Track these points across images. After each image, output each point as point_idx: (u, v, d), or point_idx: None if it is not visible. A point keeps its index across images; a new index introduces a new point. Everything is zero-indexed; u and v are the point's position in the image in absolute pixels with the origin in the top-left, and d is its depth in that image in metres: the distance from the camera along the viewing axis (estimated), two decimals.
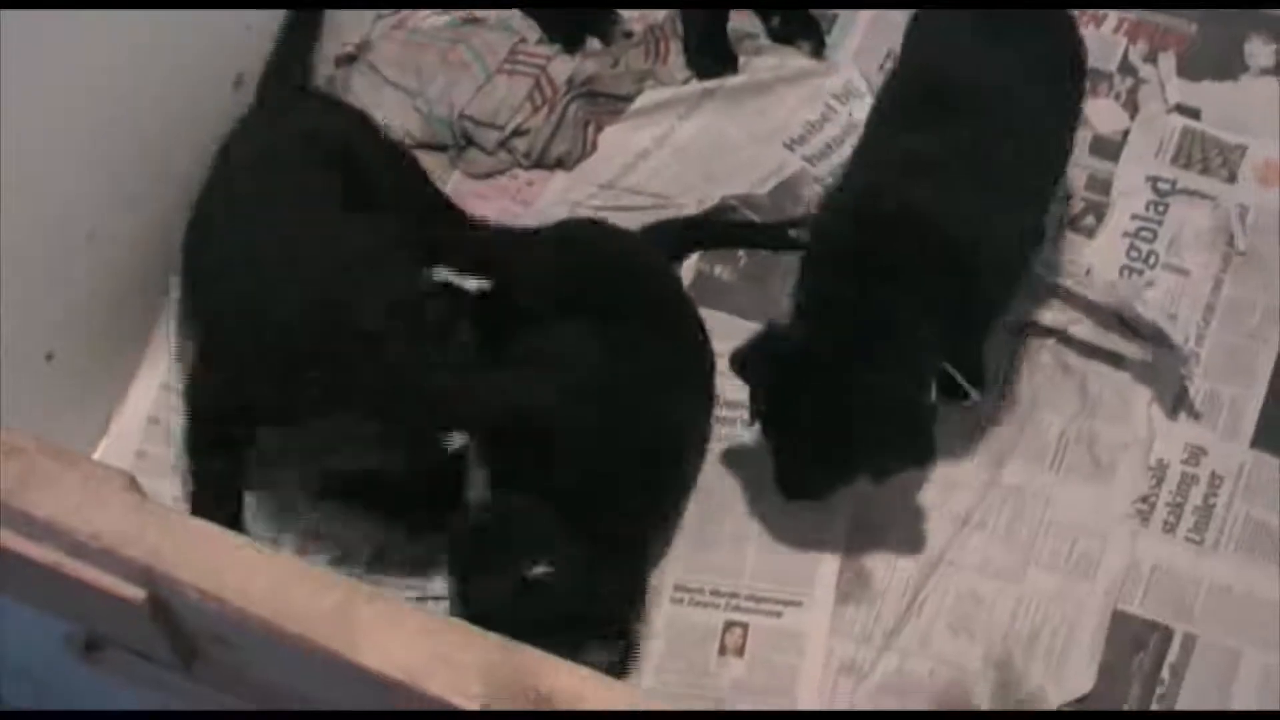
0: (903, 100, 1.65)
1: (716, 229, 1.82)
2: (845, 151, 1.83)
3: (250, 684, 1.16)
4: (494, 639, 1.01)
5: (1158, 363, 1.71)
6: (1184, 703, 1.56)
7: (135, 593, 1.06)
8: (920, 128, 1.59)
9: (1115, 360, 1.73)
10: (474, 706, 0.98)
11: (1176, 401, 1.71)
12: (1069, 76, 1.69)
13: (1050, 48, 1.67)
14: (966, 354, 1.63)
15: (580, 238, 1.73)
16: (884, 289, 1.52)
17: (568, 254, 1.69)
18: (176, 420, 1.69)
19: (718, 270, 1.81)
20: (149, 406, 1.74)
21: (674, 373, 1.64)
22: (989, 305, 1.60)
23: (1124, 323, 1.73)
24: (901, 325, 1.52)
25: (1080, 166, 1.86)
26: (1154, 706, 1.57)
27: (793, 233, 1.80)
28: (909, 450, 1.56)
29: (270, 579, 1.04)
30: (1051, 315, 1.74)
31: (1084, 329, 1.74)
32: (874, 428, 1.53)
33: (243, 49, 1.78)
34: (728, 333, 1.67)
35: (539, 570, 1.47)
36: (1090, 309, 1.74)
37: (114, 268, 1.68)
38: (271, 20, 1.79)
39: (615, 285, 1.67)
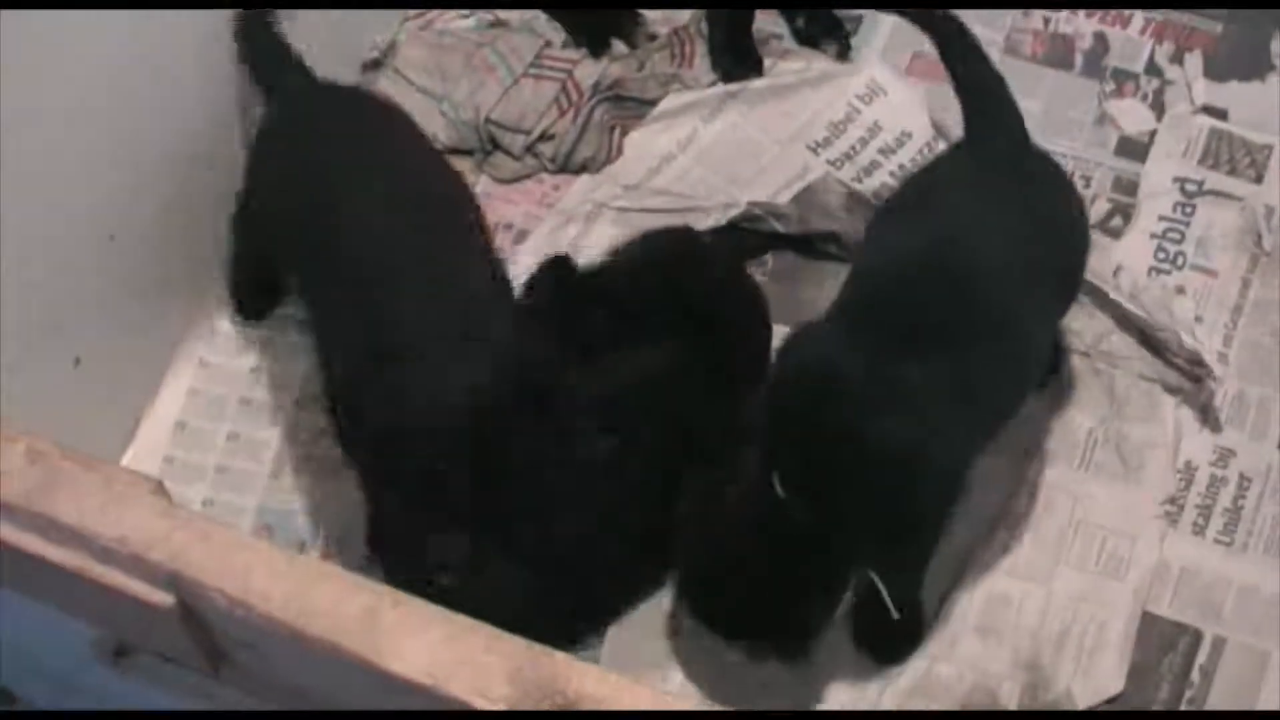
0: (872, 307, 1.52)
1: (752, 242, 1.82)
2: (869, 155, 1.86)
3: (277, 687, 1.17)
4: (520, 643, 1.01)
5: (1182, 383, 1.72)
6: (1214, 703, 1.57)
7: (163, 598, 1.06)
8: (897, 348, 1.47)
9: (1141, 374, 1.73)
10: (499, 709, 0.98)
11: (1204, 412, 1.71)
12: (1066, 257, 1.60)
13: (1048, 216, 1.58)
14: (903, 573, 1.54)
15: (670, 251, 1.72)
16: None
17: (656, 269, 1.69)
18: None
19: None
20: (176, 412, 1.75)
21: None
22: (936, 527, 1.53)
23: (1150, 342, 1.73)
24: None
25: (1107, 167, 1.86)
26: (1184, 708, 1.56)
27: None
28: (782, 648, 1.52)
29: (296, 583, 1.04)
30: (1079, 336, 1.74)
31: (1109, 348, 1.74)
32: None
33: None
34: None
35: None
36: (1121, 321, 1.74)
37: (139, 272, 1.68)
38: (299, 20, 1.76)
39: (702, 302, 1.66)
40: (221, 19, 1.69)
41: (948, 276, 1.47)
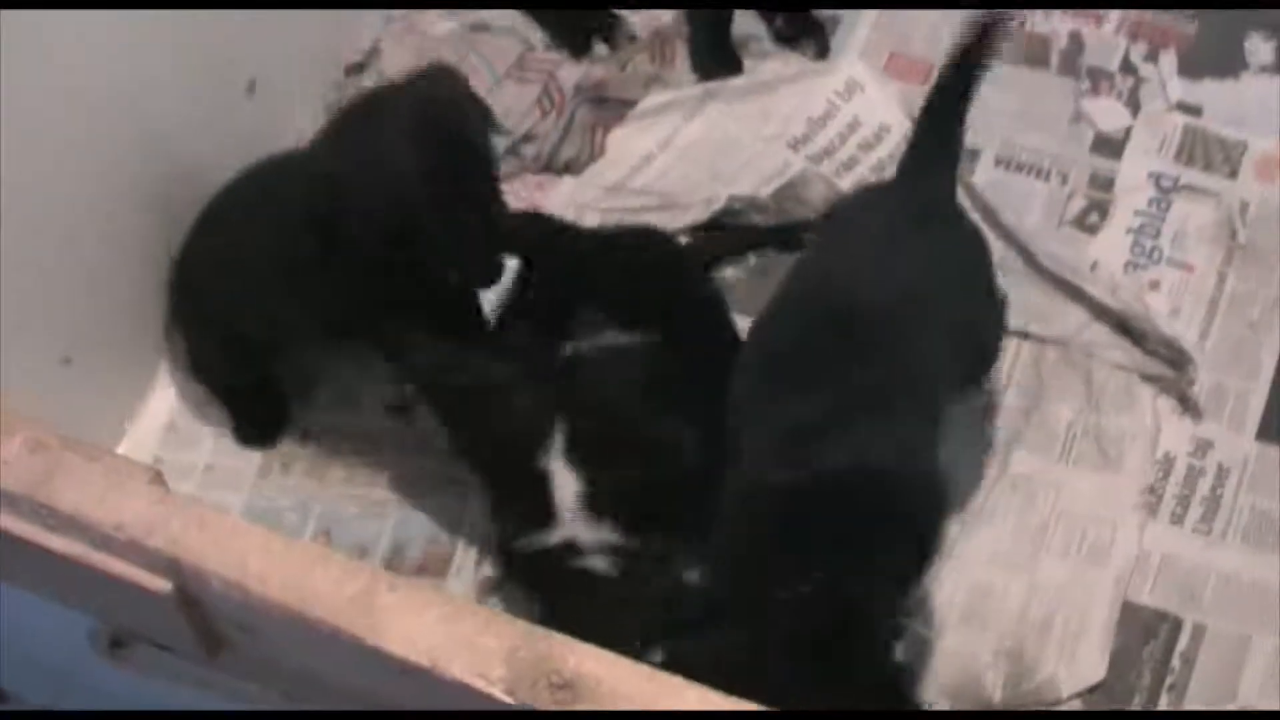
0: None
1: (730, 240, 1.84)
2: (849, 151, 1.87)
3: (275, 672, 1.17)
4: (517, 624, 1.02)
5: (1163, 371, 1.73)
6: (1195, 690, 1.58)
7: (161, 584, 1.07)
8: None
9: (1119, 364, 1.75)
10: (497, 690, 0.99)
11: (1184, 400, 1.73)
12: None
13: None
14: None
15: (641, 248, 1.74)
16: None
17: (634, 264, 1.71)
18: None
19: (726, 271, 1.82)
20: (166, 413, 1.76)
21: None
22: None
23: (1129, 331, 1.75)
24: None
25: (1083, 164, 1.87)
26: (1164, 695, 1.58)
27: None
28: None
29: (294, 567, 1.04)
30: (1058, 323, 1.76)
31: (1088, 339, 1.75)
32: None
33: (254, 54, 1.78)
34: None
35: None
36: (1098, 312, 1.76)
37: (129, 272, 1.69)
38: (282, 22, 1.80)
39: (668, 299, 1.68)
40: (213, 19, 1.69)
41: (836, 314, 1.47)
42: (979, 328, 1.58)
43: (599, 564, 1.54)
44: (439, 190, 1.52)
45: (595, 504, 1.54)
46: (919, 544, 1.44)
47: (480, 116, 1.67)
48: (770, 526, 1.40)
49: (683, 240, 1.81)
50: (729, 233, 1.84)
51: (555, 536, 1.55)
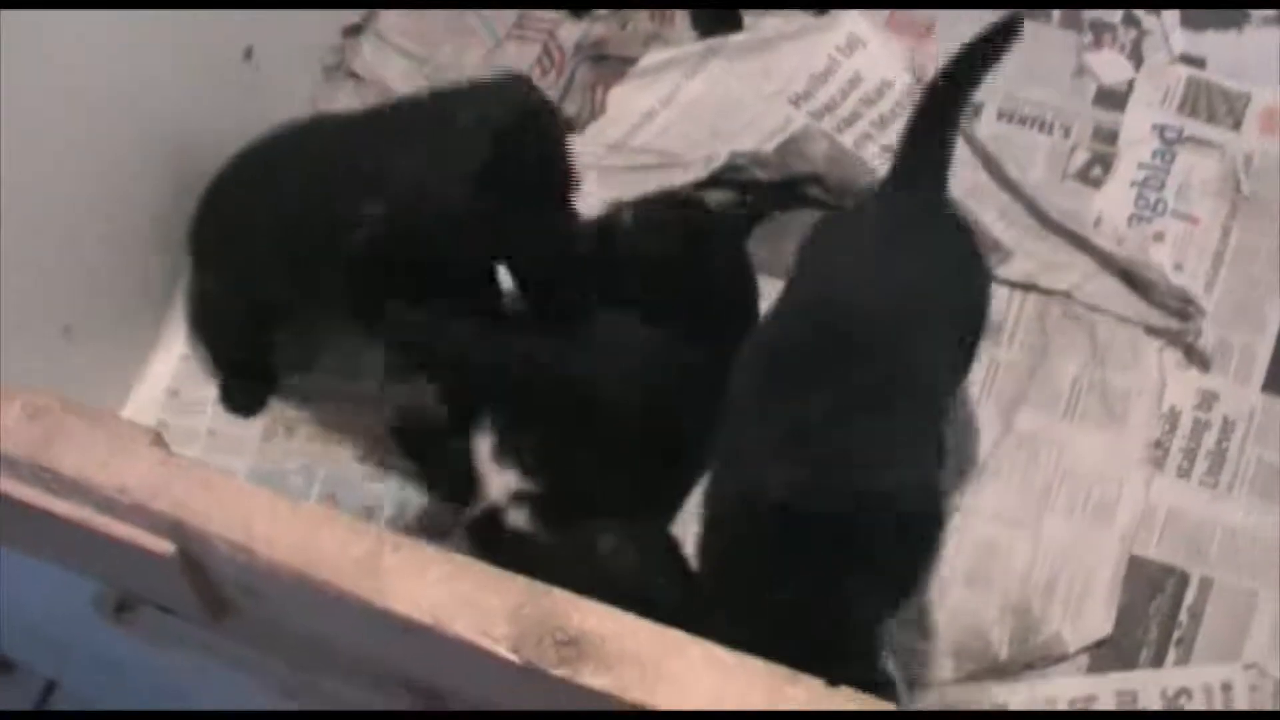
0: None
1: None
2: (850, 106, 1.86)
3: (280, 636, 1.17)
4: (520, 581, 1.02)
5: (1169, 322, 1.73)
6: (1202, 644, 1.58)
7: (164, 546, 1.07)
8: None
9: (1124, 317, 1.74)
10: (501, 648, 0.99)
11: (1189, 351, 1.72)
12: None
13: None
14: None
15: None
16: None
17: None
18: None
19: None
20: (168, 378, 1.76)
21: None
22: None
23: (1135, 283, 1.74)
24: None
25: (1086, 117, 1.87)
26: (1172, 649, 1.58)
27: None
28: None
29: (298, 529, 1.04)
30: (1064, 274, 1.75)
31: (1094, 290, 1.75)
32: None
33: (252, 20, 1.77)
34: None
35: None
36: (1104, 263, 1.75)
37: (127, 239, 1.69)
38: None
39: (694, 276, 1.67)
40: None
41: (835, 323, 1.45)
42: (973, 322, 1.56)
43: (520, 521, 1.53)
44: (505, 205, 1.52)
45: (502, 447, 1.54)
46: (917, 553, 1.42)
47: (557, 129, 1.63)
48: (768, 529, 1.36)
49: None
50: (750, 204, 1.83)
51: (480, 505, 1.55)
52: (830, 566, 1.32)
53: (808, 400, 1.39)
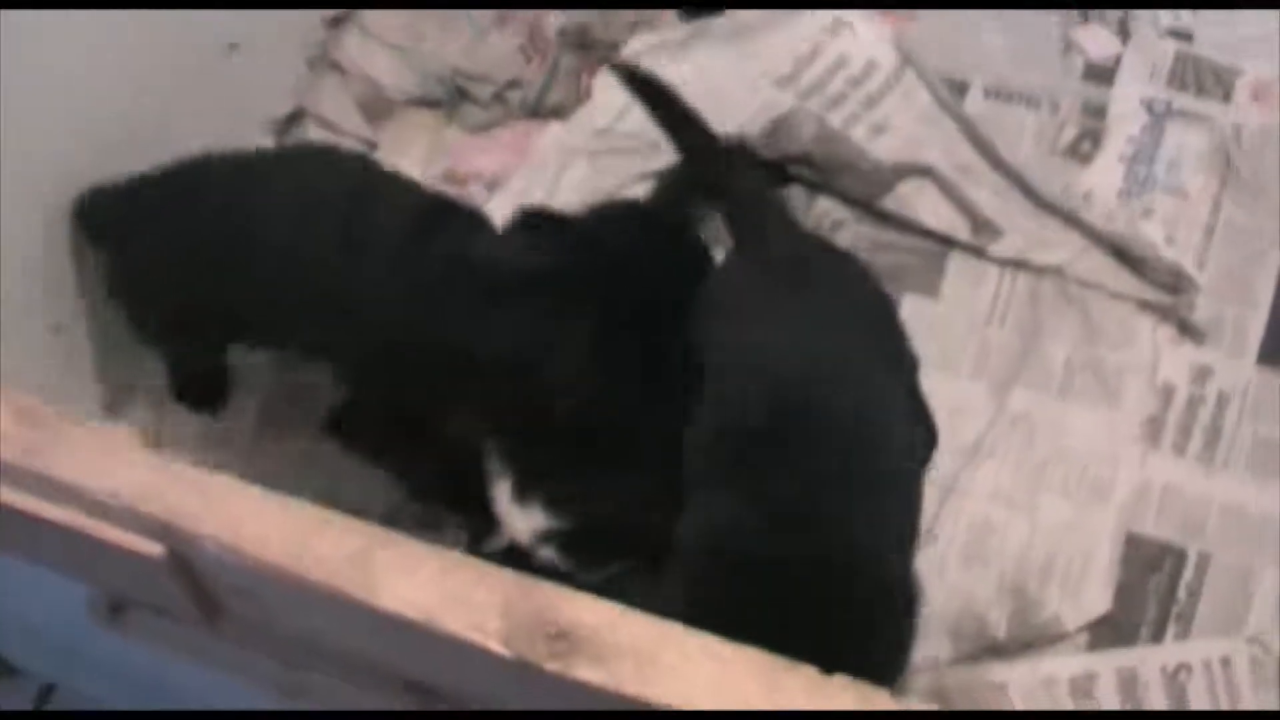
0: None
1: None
2: (836, 86, 1.86)
3: (274, 636, 1.17)
4: (510, 576, 1.02)
5: (1161, 297, 1.72)
6: (1201, 621, 1.57)
7: (155, 549, 1.07)
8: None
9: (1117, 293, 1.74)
10: (494, 643, 0.99)
11: (1182, 327, 1.72)
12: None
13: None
14: None
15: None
16: None
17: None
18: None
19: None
20: (160, 379, 1.74)
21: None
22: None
23: (1126, 258, 1.74)
24: None
25: (1074, 93, 1.86)
26: (1171, 625, 1.57)
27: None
28: None
29: (288, 528, 1.04)
30: (1056, 250, 1.75)
31: (1085, 267, 1.74)
32: None
33: (235, 15, 1.77)
34: None
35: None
36: (1095, 238, 1.74)
37: None
38: None
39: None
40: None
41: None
42: (908, 361, 1.55)
43: (546, 556, 1.50)
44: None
45: (522, 488, 1.51)
46: (891, 643, 1.39)
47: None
48: (734, 592, 1.35)
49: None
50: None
51: (500, 541, 1.52)
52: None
53: (773, 480, 1.38)
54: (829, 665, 1.16)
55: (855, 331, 1.50)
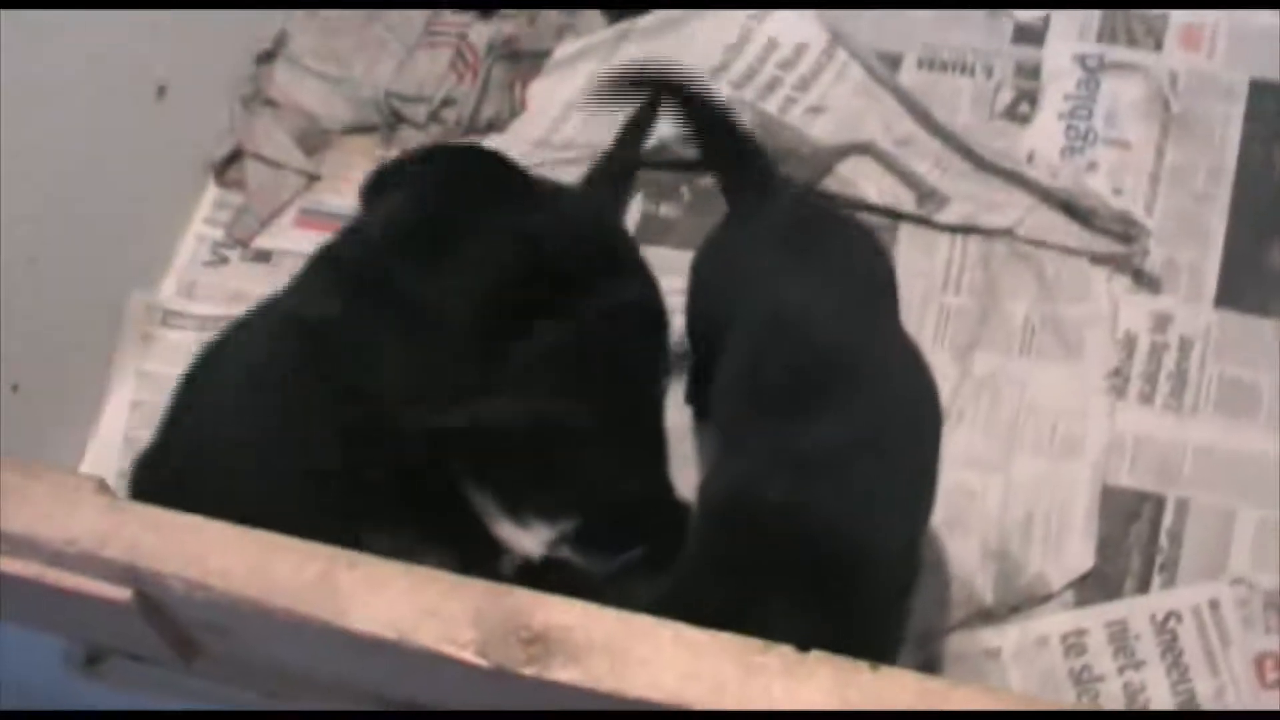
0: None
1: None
2: (769, 72, 1.86)
3: (251, 670, 1.17)
4: (479, 585, 1.01)
5: (1114, 247, 1.72)
6: (1185, 567, 1.57)
7: (121, 593, 1.06)
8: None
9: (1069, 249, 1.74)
10: (468, 654, 0.98)
11: (1136, 276, 1.72)
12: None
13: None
14: None
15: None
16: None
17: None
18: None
19: (663, 209, 1.81)
20: (122, 426, 1.75)
21: None
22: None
23: (1075, 212, 1.74)
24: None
25: (1006, 55, 1.87)
26: (1156, 575, 1.57)
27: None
28: None
29: (251, 558, 1.04)
30: (1005, 212, 1.75)
31: (1035, 225, 1.74)
32: None
33: (161, 59, 1.76)
34: (676, 267, 1.62)
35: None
36: (1043, 196, 1.74)
37: (65, 291, 1.67)
38: (184, 21, 1.77)
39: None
40: (112, 24, 1.67)
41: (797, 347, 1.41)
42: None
43: (566, 556, 1.47)
44: None
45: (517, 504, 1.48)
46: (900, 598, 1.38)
47: None
48: (758, 539, 1.32)
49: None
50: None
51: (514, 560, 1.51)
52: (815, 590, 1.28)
53: (806, 431, 1.35)
54: (833, 622, 1.21)
55: (868, 291, 1.48)
